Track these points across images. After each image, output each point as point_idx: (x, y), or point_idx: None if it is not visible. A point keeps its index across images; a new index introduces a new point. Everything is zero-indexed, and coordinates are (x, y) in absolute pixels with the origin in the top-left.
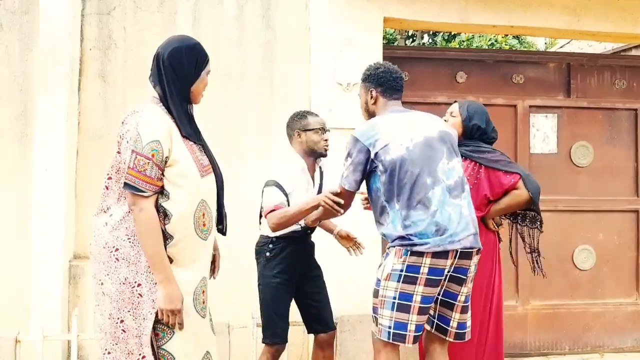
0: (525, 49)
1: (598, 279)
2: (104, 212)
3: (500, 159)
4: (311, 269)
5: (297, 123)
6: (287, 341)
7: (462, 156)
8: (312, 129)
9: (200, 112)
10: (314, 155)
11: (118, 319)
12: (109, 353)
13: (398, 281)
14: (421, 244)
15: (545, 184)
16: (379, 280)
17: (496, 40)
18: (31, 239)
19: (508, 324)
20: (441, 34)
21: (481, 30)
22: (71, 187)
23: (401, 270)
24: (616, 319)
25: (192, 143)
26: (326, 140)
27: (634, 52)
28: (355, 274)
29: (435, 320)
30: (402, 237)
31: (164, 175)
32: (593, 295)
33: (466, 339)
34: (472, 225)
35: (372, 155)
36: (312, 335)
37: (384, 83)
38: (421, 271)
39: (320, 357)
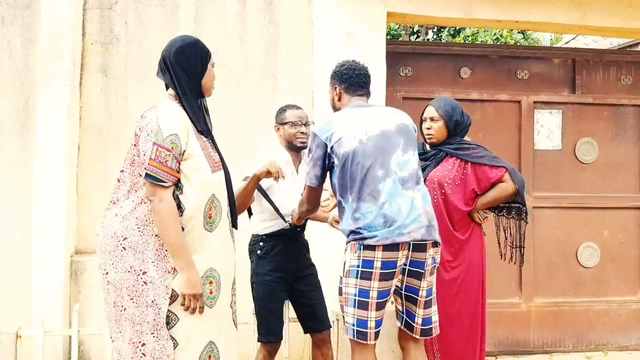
0: (530, 45)
1: (602, 276)
2: (114, 204)
3: (485, 154)
4: (304, 267)
5: (277, 117)
6: (282, 338)
7: (447, 154)
8: (288, 122)
9: None
10: (293, 148)
11: (121, 306)
12: (113, 341)
13: (356, 277)
14: (370, 237)
15: (549, 181)
16: (341, 277)
17: (501, 36)
18: (32, 234)
19: (511, 321)
20: (446, 30)
21: (485, 25)
22: (72, 181)
23: (358, 266)
24: (620, 316)
25: (205, 139)
26: (302, 133)
27: None
28: None
29: (404, 316)
30: (353, 232)
31: (180, 168)
32: (597, 292)
33: (433, 335)
34: (426, 217)
35: (329, 150)
36: None
37: (347, 80)
38: (374, 265)
39: (319, 355)
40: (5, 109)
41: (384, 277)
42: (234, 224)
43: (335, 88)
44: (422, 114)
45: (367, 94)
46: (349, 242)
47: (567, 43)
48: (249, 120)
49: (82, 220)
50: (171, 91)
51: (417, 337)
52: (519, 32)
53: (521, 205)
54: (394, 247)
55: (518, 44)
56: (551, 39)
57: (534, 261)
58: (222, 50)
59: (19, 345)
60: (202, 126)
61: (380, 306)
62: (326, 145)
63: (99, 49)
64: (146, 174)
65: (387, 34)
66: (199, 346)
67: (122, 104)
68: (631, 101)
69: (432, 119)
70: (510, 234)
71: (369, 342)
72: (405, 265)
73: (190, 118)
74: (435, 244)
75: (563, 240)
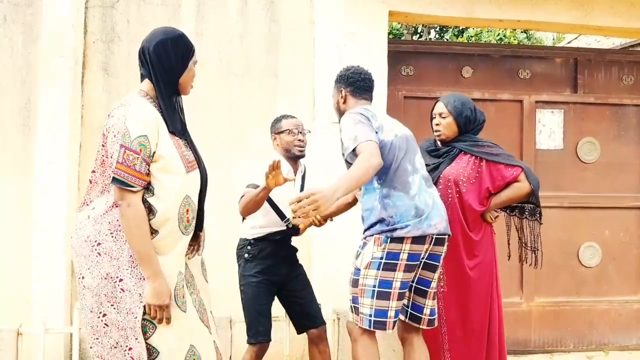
0: (531, 44)
1: (603, 276)
2: (87, 205)
3: (500, 153)
4: (293, 269)
5: (273, 127)
6: (270, 339)
7: (460, 151)
8: (285, 131)
9: (203, 105)
10: (292, 156)
11: (100, 312)
12: (90, 347)
13: (378, 269)
14: (401, 228)
15: (550, 181)
16: (358, 269)
17: (504, 36)
18: (33, 232)
19: (512, 320)
20: (450, 30)
21: (487, 24)
22: (74, 180)
23: (381, 258)
24: (621, 316)
25: (177, 138)
26: (300, 140)
27: None
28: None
29: (409, 310)
30: (382, 222)
31: (149, 171)
32: (598, 292)
33: (435, 325)
34: (444, 212)
35: (375, 128)
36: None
37: (353, 83)
38: (400, 257)
39: (316, 353)
40: (7, 107)
41: (409, 269)
42: (200, 226)
43: (341, 91)
44: (432, 110)
45: (371, 99)
46: (372, 235)
47: (569, 43)
48: (250, 119)
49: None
50: (143, 85)
51: (424, 327)
52: (522, 32)
53: (535, 206)
54: (421, 239)
55: (521, 43)
56: (554, 39)
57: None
58: (224, 49)
59: (20, 342)
60: (176, 127)
61: (401, 297)
62: (371, 123)
63: (100, 47)
64: (114, 178)
65: (389, 34)
66: (181, 352)
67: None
68: (633, 101)
69: (441, 115)
70: (523, 234)
71: (387, 331)
72: (423, 258)
73: (162, 116)
74: (448, 238)
75: (564, 240)
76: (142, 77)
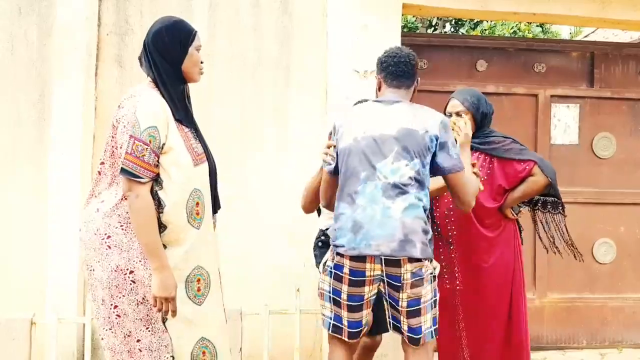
0: (547, 38)
1: (618, 272)
2: (95, 197)
3: (511, 147)
4: None
5: None
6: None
7: (471, 149)
8: None
9: (215, 99)
10: None
11: (111, 304)
12: (102, 339)
13: (330, 277)
14: (339, 246)
15: (565, 176)
16: (320, 272)
17: (519, 29)
18: (48, 223)
19: None
20: (466, 23)
21: (502, 17)
22: (87, 171)
23: (332, 268)
24: (635, 314)
25: (187, 130)
26: None
27: None
28: None
29: (391, 321)
30: (332, 232)
31: (159, 163)
32: (612, 289)
33: (422, 344)
34: (401, 231)
35: (335, 141)
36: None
37: (385, 69)
38: (344, 271)
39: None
40: (22, 99)
41: (353, 284)
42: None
43: (377, 78)
44: (445, 108)
45: (405, 86)
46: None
47: (586, 36)
48: (262, 112)
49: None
50: (150, 77)
51: (411, 344)
52: (537, 26)
53: (556, 198)
54: (360, 258)
55: (536, 37)
56: (570, 33)
57: (549, 257)
58: (236, 42)
59: (34, 332)
60: (181, 115)
61: (352, 309)
62: (332, 136)
63: (114, 39)
64: (122, 169)
65: (404, 27)
66: (189, 342)
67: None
68: None
69: (457, 114)
70: (549, 228)
71: (343, 338)
72: (381, 275)
73: (170, 108)
74: (413, 260)
75: (579, 236)
76: (147, 72)
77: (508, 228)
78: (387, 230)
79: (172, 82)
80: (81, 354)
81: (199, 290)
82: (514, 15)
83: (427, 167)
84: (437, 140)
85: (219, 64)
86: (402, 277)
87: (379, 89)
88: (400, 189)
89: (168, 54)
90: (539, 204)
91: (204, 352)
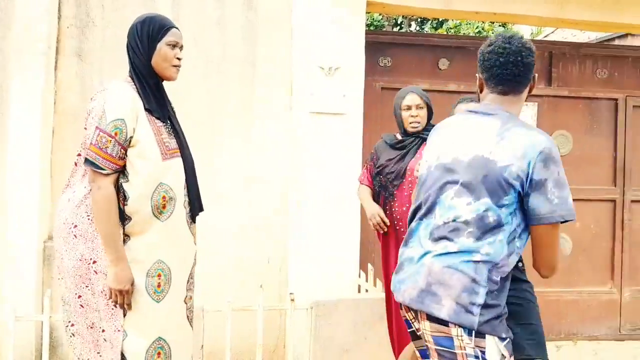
0: None
1: (574, 267)
2: (70, 187)
3: None
4: None
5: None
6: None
7: (423, 141)
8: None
9: (180, 94)
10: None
11: (76, 294)
12: (72, 325)
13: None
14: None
15: None
16: None
17: (483, 29)
18: (5, 219)
19: None
20: (429, 22)
21: (464, 17)
22: (47, 166)
23: None
24: (590, 307)
25: (160, 125)
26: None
27: (617, 42)
28: (331, 262)
29: None
30: None
31: (126, 155)
32: (568, 283)
33: None
34: (424, 279)
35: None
36: (288, 319)
37: (487, 69)
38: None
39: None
40: None
41: (412, 337)
42: (193, 217)
43: (478, 76)
44: (401, 102)
45: (515, 91)
46: None
47: (547, 36)
48: (227, 107)
49: (56, 206)
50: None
51: None
52: (500, 25)
53: None
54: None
55: None
56: (532, 32)
57: None
58: (201, 36)
59: None
60: (152, 106)
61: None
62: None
63: (74, 32)
64: (85, 159)
65: (370, 25)
66: (146, 341)
67: (97, 89)
68: (606, 94)
69: (418, 106)
70: None
71: None
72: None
73: (142, 100)
74: (434, 320)
75: None
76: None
77: None
78: (413, 278)
79: (143, 75)
80: (39, 352)
81: (159, 286)
82: (476, 15)
83: (511, 208)
84: (528, 177)
85: (184, 59)
86: (424, 333)
87: (481, 90)
88: (449, 231)
89: (138, 48)
90: None
91: (159, 353)
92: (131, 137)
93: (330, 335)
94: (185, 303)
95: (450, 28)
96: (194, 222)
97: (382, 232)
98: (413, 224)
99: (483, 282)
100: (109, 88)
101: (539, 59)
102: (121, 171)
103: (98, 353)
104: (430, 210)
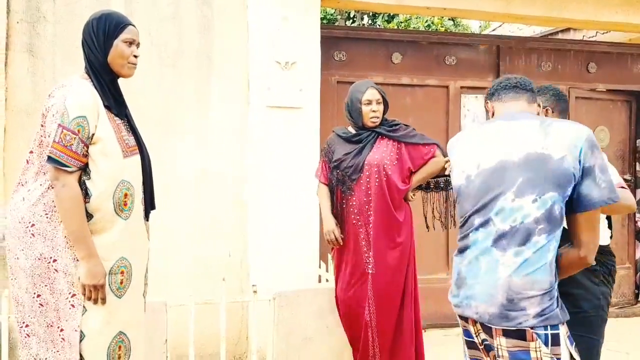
0: (458, 32)
1: None
2: (22, 185)
3: (415, 134)
4: None
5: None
6: None
7: (379, 135)
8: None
9: (135, 89)
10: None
11: (34, 293)
12: (26, 326)
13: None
14: (452, 295)
15: None
16: None
17: (432, 23)
18: None
19: (442, 296)
20: (381, 16)
21: (415, 12)
22: None
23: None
24: None
25: (119, 122)
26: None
27: (560, 36)
28: (291, 253)
29: None
30: None
31: (88, 153)
32: None
33: None
34: (504, 294)
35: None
36: (251, 311)
37: (496, 90)
38: (460, 331)
39: None
40: None
41: (468, 345)
42: (147, 214)
43: (486, 105)
44: (362, 97)
45: (527, 98)
46: None
47: (494, 30)
48: (183, 101)
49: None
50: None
51: None
52: (449, 20)
53: (448, 177)
54: (462, 317)
55: (448, 31)
56: (480, 26)
57: None
58: (155, 31)
59: None
60: (110, 102)
61: None
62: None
63: (25, 27)
64: (49, 157)
65: (323, 19)
66: (107, 337)
67: (50, 85)
68: None
69: (377, 102)
70: (439, 206)
71: None
72: (484, 341)
73: (100, 96)
74: (509, 334)
75: None
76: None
77: (408, 212)
78: (487, 290)
79: (99, 72)
80: None
81: (121, 282)
82: (427, 10)
83: (567, 198)
84: (580, 165)
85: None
86: (495, 347)
87: (493, 116)
88: (517, 236)
89: (94, 45)
90: (431, 186)
91: (119, 347)
92: (93, 134)
93: (293, 325)
94: (143, 297)
95: (401, 22)
96: (148, 219)
97: (337, 247)
98: (469, 237)
99: (554, 278)
100: (69, 85)
101: (487, 53)
102: (83, 169)
103: (57, 352)
104: (486, 218)
